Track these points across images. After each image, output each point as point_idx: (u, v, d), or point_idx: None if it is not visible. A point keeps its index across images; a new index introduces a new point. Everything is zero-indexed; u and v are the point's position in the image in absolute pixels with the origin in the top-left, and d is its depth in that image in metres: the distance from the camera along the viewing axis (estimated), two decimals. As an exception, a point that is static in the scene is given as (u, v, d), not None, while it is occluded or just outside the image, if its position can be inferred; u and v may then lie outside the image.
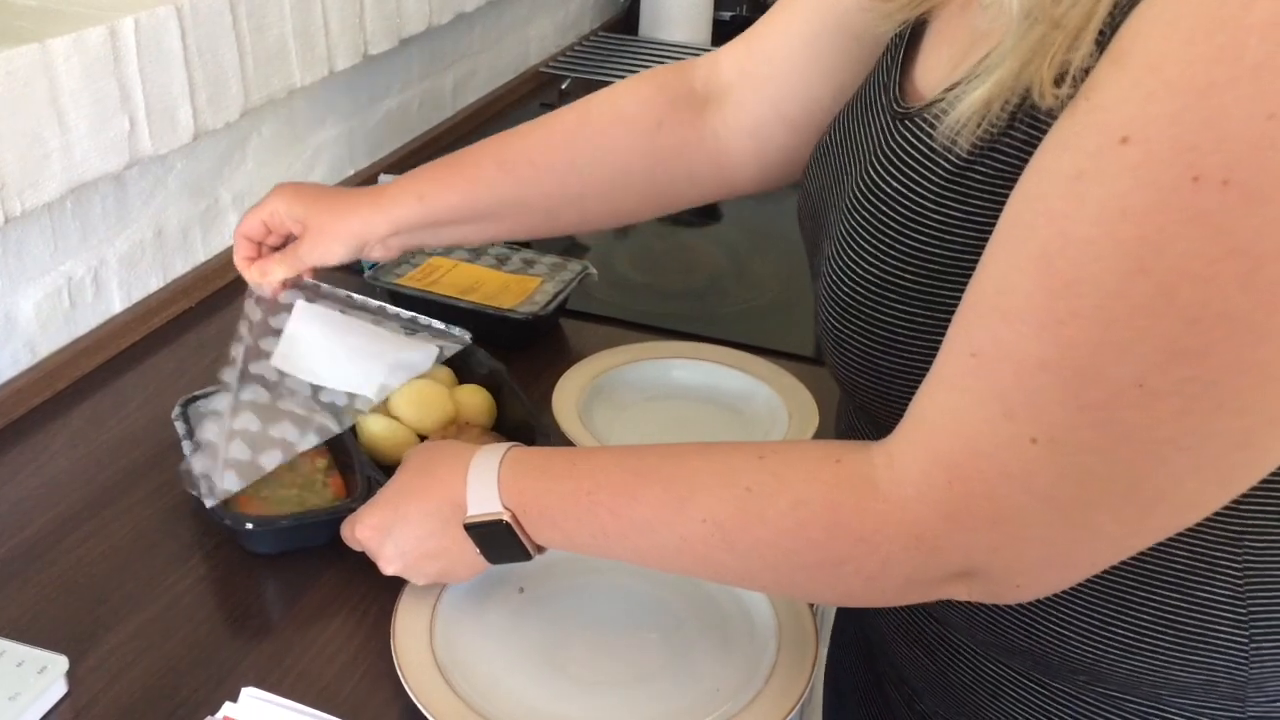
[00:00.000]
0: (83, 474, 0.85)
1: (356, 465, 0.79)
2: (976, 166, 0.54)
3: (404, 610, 0.71)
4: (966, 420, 0.51)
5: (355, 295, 0.93)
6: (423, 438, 0.84)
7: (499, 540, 0.65)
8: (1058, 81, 0.49)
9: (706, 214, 1.42)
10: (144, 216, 1.04)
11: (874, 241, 0.60)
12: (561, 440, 0.88)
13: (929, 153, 0.58)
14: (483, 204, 0.84)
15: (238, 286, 1.13)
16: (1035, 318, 0.48)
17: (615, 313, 1.11)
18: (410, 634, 0.69)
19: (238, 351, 0.87)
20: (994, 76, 0.52)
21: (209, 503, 0.75)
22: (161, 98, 0.96)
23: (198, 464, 0.78)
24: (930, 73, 0.64)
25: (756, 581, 0.64)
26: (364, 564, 0.75)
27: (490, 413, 0.88)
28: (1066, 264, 0.47)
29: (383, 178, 1.30)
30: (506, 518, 0.64)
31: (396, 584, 0.72)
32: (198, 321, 1.07)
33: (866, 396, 0.63)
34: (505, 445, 0.67)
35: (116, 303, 1.03)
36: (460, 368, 0.91)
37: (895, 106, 0.63)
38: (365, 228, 0.84)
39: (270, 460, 0.79)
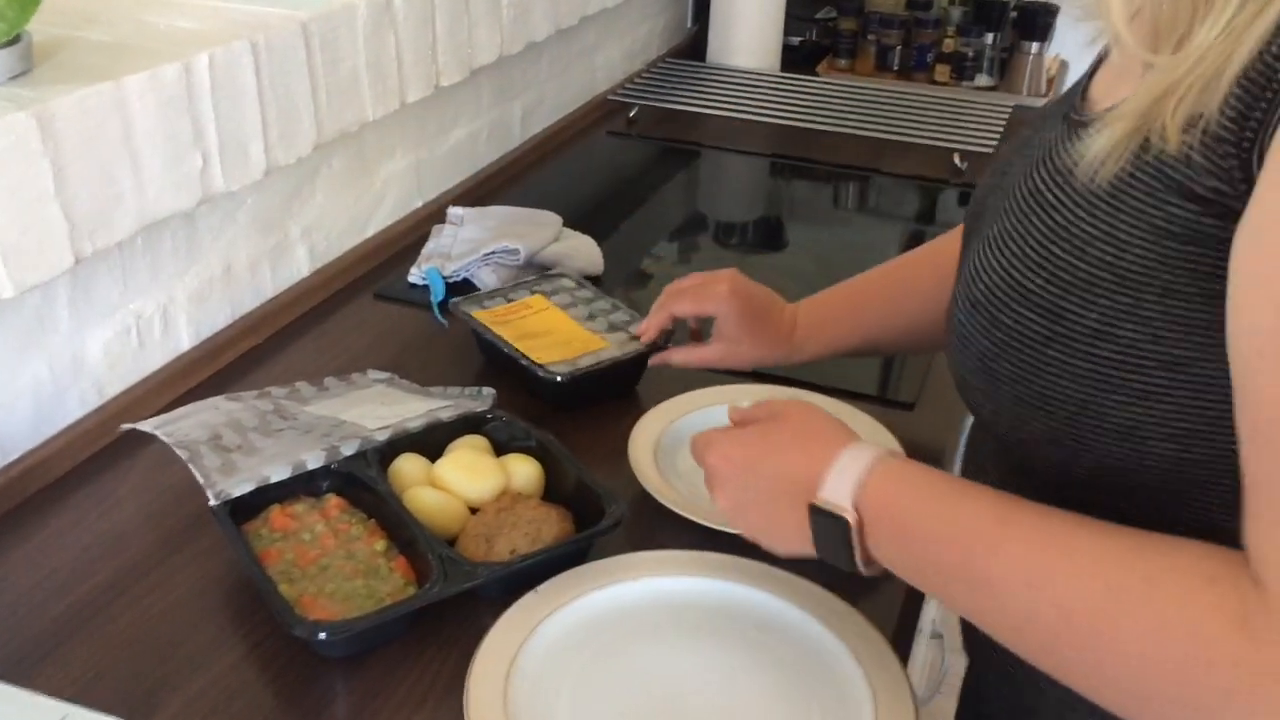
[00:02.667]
0: (148, 520, 0.83)
1: (424, 544, 0.74)
2: (1120, 195, 0.54)
3: (478, 673, 0.68)
4: None
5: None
6: (474, 510, 0.80)
7: (832, 538, 0.62)
8: (1186, 128, 0.48)
9: (770, 244, 1.39)
10: (213, 253, 1.02)
11: (1016, 245, 0.59)
12: (628, 500, 0.84)
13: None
14: (869, 342, 0.95)
15: (305, 323, 1.11)
16: None
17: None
18: (484, 699, 0.66)
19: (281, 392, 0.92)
20: (1123, 118, 0.52)
21: (212, 501, 0.76)
22: (234, 134, 0.95)
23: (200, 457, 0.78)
24: (1097, 86, 0.64)
25: (1083, 685, 0.55)
26: (435, 622, 0.73)
27: (540, 482, 0.84)
28: None
29: (451, 210, 1.28)
30: (850, 518, 0.60)
31: (468, 649, 0.69)
32: (266, 359, 1.05)
33: (978, 399, 0.62)
34: (884, 448, 0.63)
35: (185, 340, 1.01)
36: (505, 441, 0.87)
37: (1073, 113, 0.62)
38: (766, 361, 0.95)
39: (278, 473, 0.78)
